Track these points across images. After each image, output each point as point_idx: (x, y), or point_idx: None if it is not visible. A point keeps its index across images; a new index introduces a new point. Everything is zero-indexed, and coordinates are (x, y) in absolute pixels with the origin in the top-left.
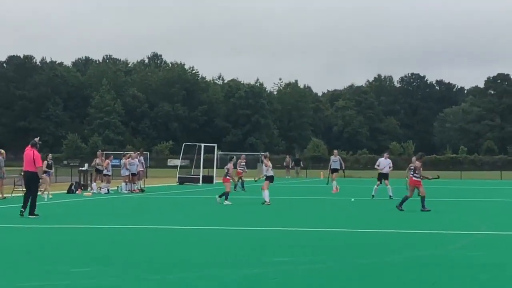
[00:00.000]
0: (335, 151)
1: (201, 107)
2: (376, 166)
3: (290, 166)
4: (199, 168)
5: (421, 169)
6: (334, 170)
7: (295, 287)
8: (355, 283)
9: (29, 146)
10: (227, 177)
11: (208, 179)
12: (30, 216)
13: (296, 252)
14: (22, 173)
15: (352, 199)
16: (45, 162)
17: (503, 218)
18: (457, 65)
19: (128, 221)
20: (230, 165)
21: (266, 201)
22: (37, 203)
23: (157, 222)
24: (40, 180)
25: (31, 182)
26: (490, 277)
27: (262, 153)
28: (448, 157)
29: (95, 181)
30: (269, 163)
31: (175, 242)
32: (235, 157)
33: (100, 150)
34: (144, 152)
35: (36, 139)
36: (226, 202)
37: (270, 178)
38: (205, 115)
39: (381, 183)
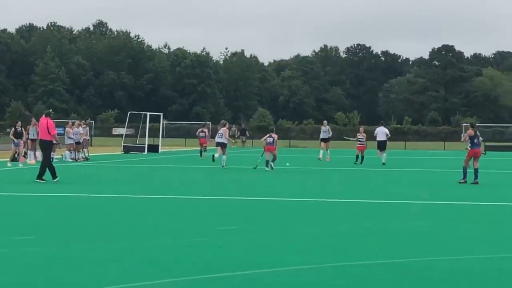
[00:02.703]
0: (325, 121)
1: (147, 76)
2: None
3: (236, 136)
4: (145, 137)
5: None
6: (324, 140)
7: (238, 255)
8: (297, 253)
9: (43, 116)
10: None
11: (153, 148)
12: (37, 180)
13: (242, 221)
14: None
15: (287, 164)
16: (13, 129)
17: (445, 188)
18: (402, 36)
19: (71, 189)
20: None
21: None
22: None
23: (101, 190)
24: (53, 146)
25: (46, 150)
26: (431, 246)
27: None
28: (393, 128)
29: (32, 150)
30: (221, 130)
31: (120, 211)
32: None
33: (33, 118)
34: (89, 121)
35: (50, 110)
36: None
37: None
38: (151, 83)
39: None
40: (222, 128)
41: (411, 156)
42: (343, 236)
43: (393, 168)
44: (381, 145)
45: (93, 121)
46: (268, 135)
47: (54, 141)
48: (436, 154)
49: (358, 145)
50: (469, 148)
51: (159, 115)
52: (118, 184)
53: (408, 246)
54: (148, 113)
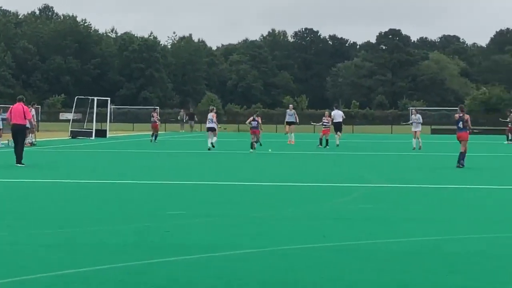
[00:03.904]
0: (290, 105)
1: (94, 60)
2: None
3: (184, 120)
4: (92, 122)
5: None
6: (290, 123)
7: (187, 239)
8: (246, 237)
9: (18, 101)
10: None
11: (101, 133)
12: (17, 165)
13: (191, 206)
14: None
15: (270, 150)
16: None
17: (393, 171)
18: (349, 20)
19: (18, 175)
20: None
21: (212, 145)
22: None
23: (47, 176)
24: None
25: (19, 134)
26: (379, 229)
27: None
28: None
29: None
30: (209, 116)
31: (68, 196)
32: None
33: None
34: (36, 106)
35: (22, 96)
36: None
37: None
38: (98, 68)
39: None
40: (210, 114)
41: (359, 139)
42: (292, 220)
43: (341, 152)
44: (338, 127)
45: (39, 106)
46: (251, 118)
47: (28, 125)
48: (384, 138)
49: (324, 129)
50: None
51: (107, 100)
52: (65, 169)
53: (355, 228)
54: (95, 98)
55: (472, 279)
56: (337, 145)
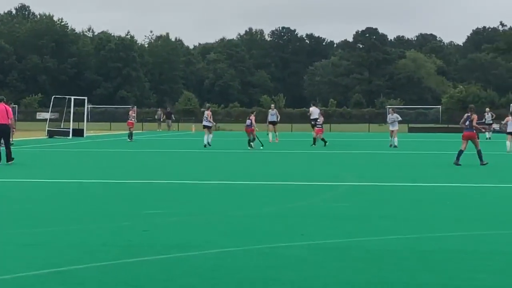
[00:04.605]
0: (272, 105)
1: (70, 60)
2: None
3: (161, 119)
4: (69, 121)
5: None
6: (272, 123)
7: (164, 238)
8: (223, 235)
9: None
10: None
11: (78, 133)
12: (8, 163)
13: (169, 205)
14: None
15: (261, 147)
16: None
17: (370, 169)
18: (327, 19)
19: None
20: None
21: (208, 143)
22: None
23: (24, 175)
24: (14, 130)
25: (4, 133)
26: (355, 227)
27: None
28: None
29: None
30: (205, 114)
31: (43, 196)
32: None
33: None
34: (12, 105)
35: (2, 96)
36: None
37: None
38: (75, 67)
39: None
40: (206, 112)
41: (336, 138)
42: (268, 218)
43: (318, 150)
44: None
45: (16, 106)
46: (247, 117)
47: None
48: (361, 136)
49: (317, 128)
50: None
51: (84, 99)
52: (42, 168)
53: (333, 227)
54: (72, 97)
55: (448, 277)
56: (314, 144)
